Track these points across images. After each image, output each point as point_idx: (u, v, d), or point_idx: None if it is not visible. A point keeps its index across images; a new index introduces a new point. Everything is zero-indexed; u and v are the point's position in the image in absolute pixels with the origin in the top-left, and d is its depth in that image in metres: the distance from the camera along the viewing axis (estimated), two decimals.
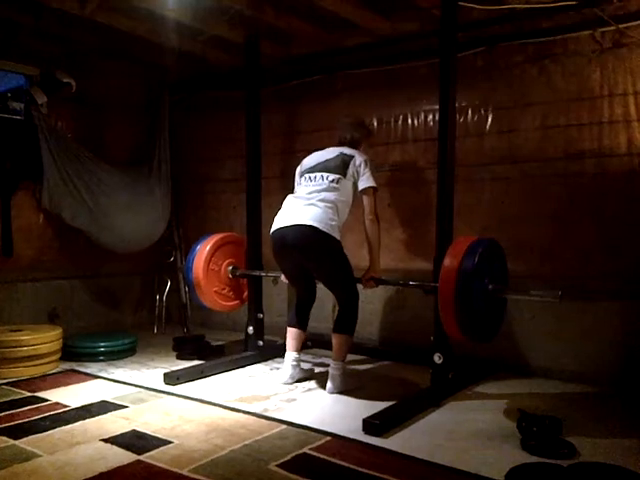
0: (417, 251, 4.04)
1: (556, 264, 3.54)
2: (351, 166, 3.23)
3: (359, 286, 3.32)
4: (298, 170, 3.45)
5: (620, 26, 3.28)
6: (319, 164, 3.30)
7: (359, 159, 3.26)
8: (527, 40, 3.61)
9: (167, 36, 4.07)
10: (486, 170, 3.78)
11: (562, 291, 2.70)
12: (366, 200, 3.24)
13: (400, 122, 4.13)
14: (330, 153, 3.34)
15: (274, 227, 3.26)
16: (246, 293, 4.10)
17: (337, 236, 3.15)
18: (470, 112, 3.83)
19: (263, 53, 4.15)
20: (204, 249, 3.88)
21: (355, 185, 3.25)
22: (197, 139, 5.20)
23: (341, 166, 3.24)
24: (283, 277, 3.57)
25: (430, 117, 3.99)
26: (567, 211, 3.51)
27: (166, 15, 3.70)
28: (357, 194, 3.28)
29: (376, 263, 3.28)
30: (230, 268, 3.99)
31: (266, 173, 4.17)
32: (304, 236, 3.12)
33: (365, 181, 3.23)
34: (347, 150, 3.33)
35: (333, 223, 3.14)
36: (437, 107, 3.37)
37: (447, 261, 2.84)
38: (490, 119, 3.77)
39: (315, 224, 3.09)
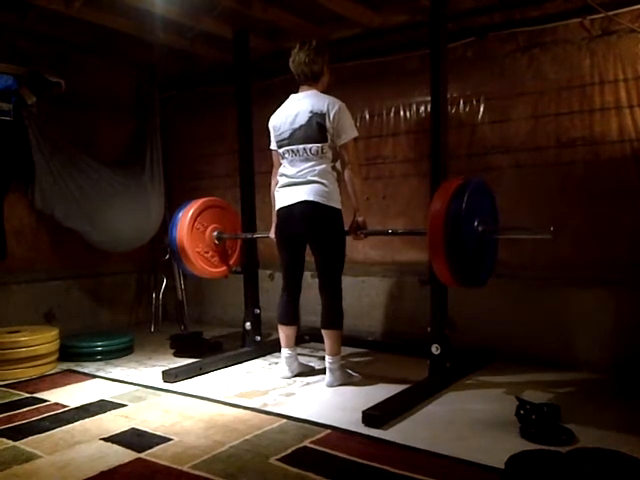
0: (412, 243, 4.04)
1: (549, 253, 3.55)
2: (327, 125, 3.11)
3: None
4: (272, 132, 3.32)
5: (609, 13, 3.28)
6: (295, 132, 3.18)
7: (332, 112, 3.10)
8: (517, 29, 3.61)
9: (155, 33, 4.06)
10: (479, 160, 3.78)
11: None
12: (347, 151, 3.17)
13: (392, 114, 4.13)
14: (301, 115, 3.15)
15: (279, 205, 3.30)
16: (234, 259, 4.06)
17: (338, 205, 3.20)
18: (462, 103, 3.83)
19: (252, 48, 4.12)
20: (189, 210, 3.82)
21: (334, 140, 3.15)
22: (189, 136, 5.18)
23: (318, 131, 3.12)
24: (272, 234, 3.48)
25: (422, 109, 3.99)
26: (559, 199, 3.52)
27: (154, 12, 3.68)
28: (336, 147, 3.18)
29: (360, 209, 3.25)
30: (215, 233, 3.92)
31: (259, 168, 4.16)
32: (309, 210, 3.16)
33: (344, 134, 3.13)
34: (315, 101, 3.14)
35: (333, 194, 3.17)
36: (428, 98, 3.37)
37: (435, 204, 2.81)
38: (481, 109, 3.78)
39: (317, 199, 3.14)
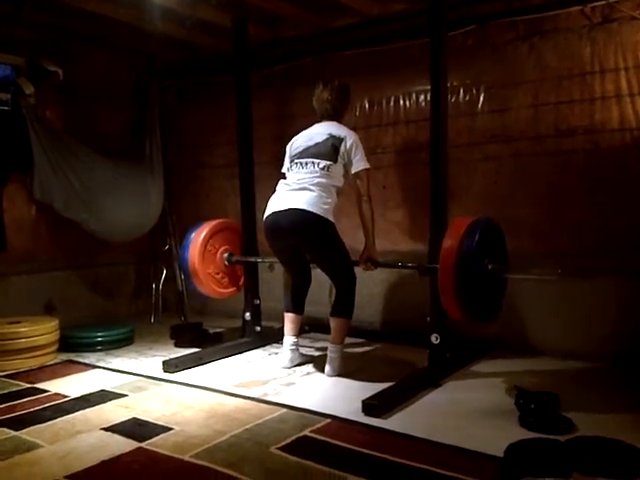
0: (412, 233, 4.04)
1: (549, 243, 3.54)
2: (341, 149, 3.19)
3: (357, 270, 3.32)
4: (288, 152, 3.40)
5: (610, 0, 3.26)
6: (309, 148, 3.25)
7: (349, 141, 3.20)
8: (517, 17, 3.58)
9: (154, 22, 4.02)
10: (478, 150, 3.77)
11: (558, 269, 2.72)
12: (360, 182, 3.22)
13: (392, 104, 4.11)
14: (319, 135, 3.27)
15: (267, 212, 3.26)
16: (242, 280, 4.10)
17: (331, 218, 3.14)
18: (462, 91, 3.81)
19: (251, 37, 4.10)
20: (202, 231, 3.91)
21: (346, 167, 3.23)
22: (188, 126, 5.16)
23: (331, 151, 3.19)
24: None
25: (422, 98, 3.97)
26: (559, 189, 3.51)
27: (152, 0, 3.65)
28: (349, 176, 3.25)
29: (371, 244, 3.27)
30: (226, 255, 3.99)
31: (259, 159, 4.16)
32: (299, 220, 3.11)
33: (357, 163, 3.20)
34: (335, 129, 3.26)
35: (326, 207, 3.12)
36: (428, 87, 3.35)
37: (447, 242, 2.85)
38: (482, 98, 3.76)
39: (309, 208, 3.09)
